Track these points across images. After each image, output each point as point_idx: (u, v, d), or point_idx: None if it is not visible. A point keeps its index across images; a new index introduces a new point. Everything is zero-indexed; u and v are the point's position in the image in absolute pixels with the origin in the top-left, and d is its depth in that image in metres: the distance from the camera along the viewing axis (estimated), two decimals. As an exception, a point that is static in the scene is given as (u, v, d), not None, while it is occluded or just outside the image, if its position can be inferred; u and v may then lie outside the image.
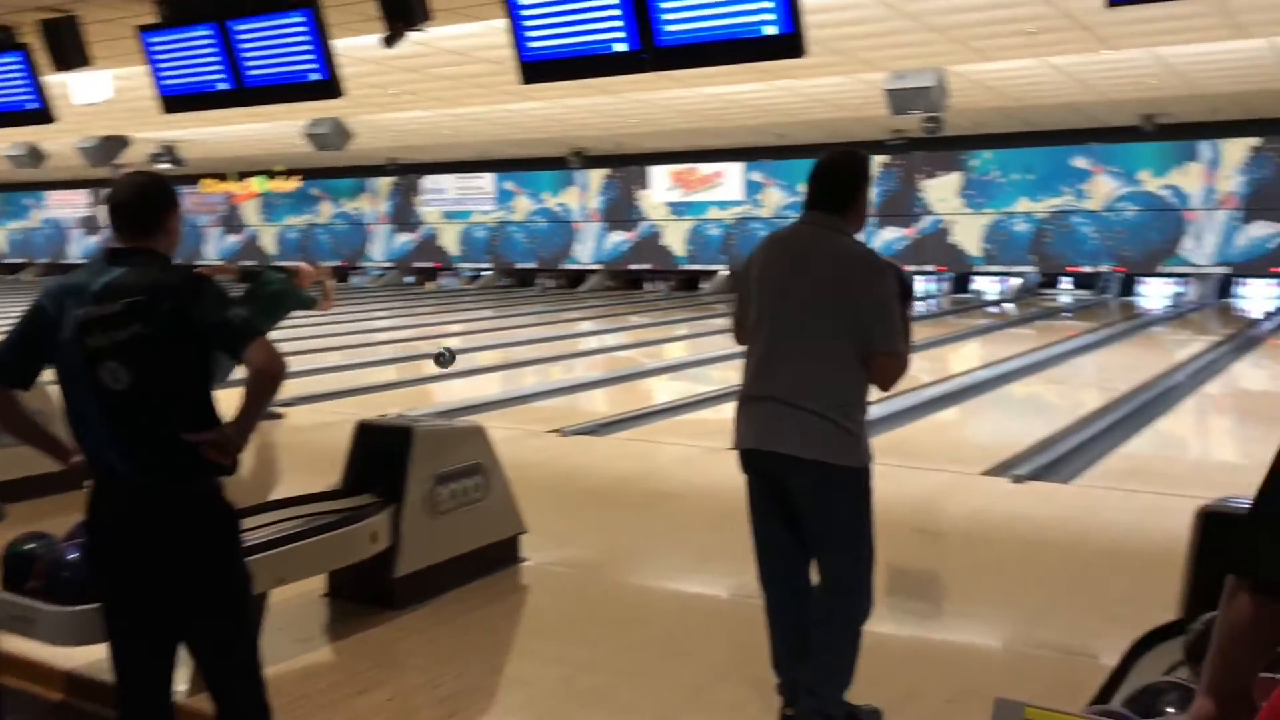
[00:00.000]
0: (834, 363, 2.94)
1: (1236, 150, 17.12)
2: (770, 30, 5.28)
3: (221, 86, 6.58)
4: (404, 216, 25.54)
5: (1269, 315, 15.76)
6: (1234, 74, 12.12)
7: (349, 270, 26.01)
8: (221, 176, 25.87)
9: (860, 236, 3.10)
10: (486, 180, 24.30)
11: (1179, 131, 17.05)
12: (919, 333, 14.05)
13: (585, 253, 23.55)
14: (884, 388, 3.04)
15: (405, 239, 25.61)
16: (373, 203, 25.91)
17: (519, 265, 24.36)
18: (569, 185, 23.47)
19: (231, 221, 27.72)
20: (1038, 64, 11.28)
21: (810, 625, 3.10)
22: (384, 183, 25.47)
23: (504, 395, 9.52)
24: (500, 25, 5.83)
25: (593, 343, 14.37)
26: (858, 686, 3.10)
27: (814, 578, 3.16)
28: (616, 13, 5.64)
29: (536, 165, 23.28)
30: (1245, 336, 13.34)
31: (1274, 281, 17.27)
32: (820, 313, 2.94)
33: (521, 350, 12.92)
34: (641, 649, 3.81)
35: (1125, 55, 10.57)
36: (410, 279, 25.44)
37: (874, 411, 8.39)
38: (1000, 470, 6.29)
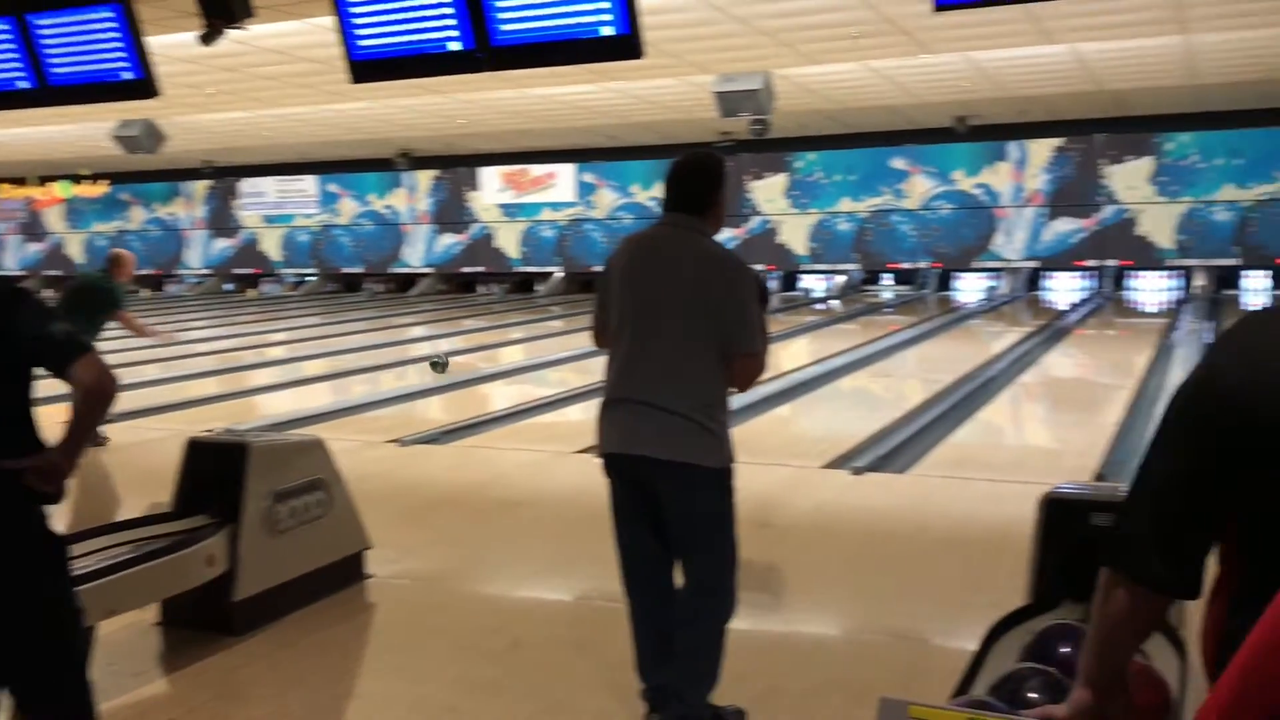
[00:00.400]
0: (695, 363, 2.93)
1: (1042, 150, 18.10)
2: (608, 31, 5.26)
3: (22, 85, 6.13)
4: (222, 221, 24.55)
5: (1074, 306, 16.72)
6: (1040, 77, 12.81)
7: (164, 279, 24.82)
8: (21, 181, 24.28)
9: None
10: (309, 182, 23.59)
11: (989, 133, 17.93)
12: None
13: (415, 256, 23.13)
14: (742, 388, 3.06)
15: (224, 245, 24.62)
16: (188, 207, 24.81)
17: (345, 270, 23.74)
18: (396, 187, 23.01)
19: (33, 229, 26.10)
20: (860, 68, 11.67)
21: (675, 628, 3.08)
22: (200, 186, 24.42)
23: (336, 406, 9.23)
24: (326, 23, 5.64)
25: (426, 348, 14.09)
26: (718, 685, 3.10)
27: (678, 580, 3.14)
28: (450, 11, 5.52)
29: (362, 167, 22.73)
30: (1054, 328, 14.09)
31: (1078, 275, 18.40)
32: (681, 314, 2.93)
33: (352, 358, 12.56)
34: (498, 661, 3.72)
35: (941, 59, 11.03)
36: (230, 286, 24.47)
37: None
38: (839, 463, 6.44)
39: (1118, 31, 9.70)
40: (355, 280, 23.74)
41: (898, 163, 19.09)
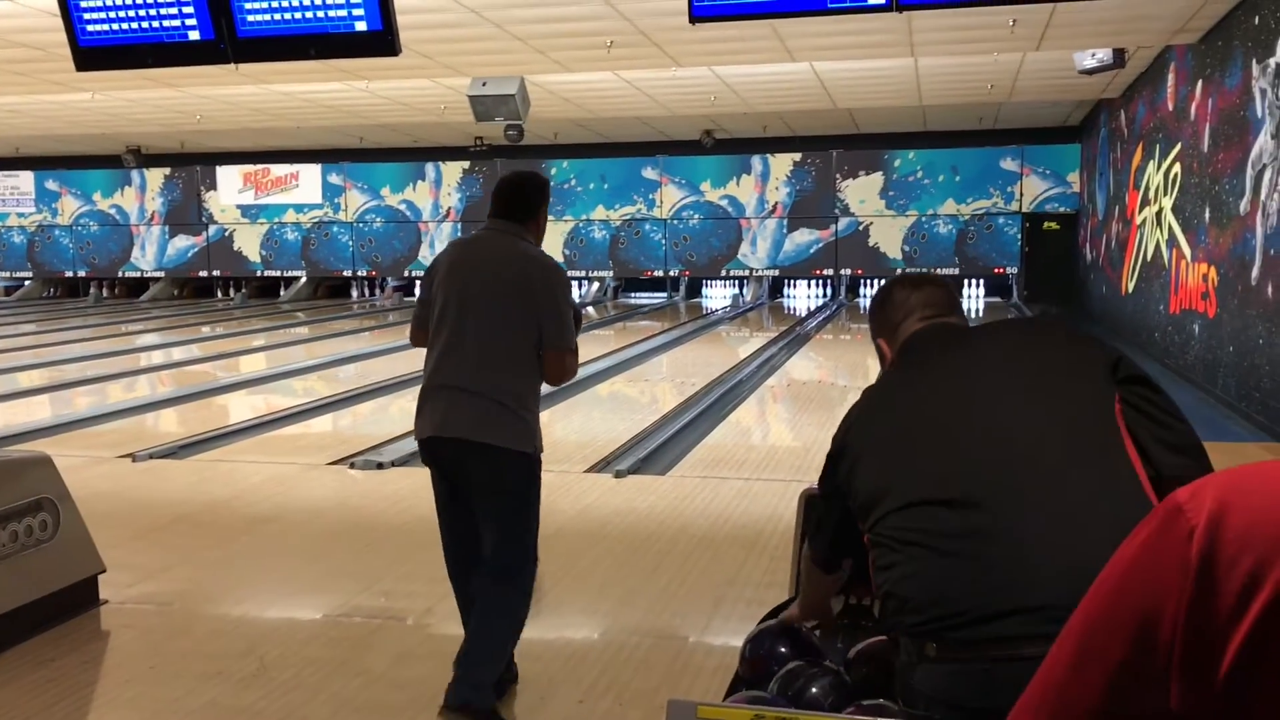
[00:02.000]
0: (511, 355, 3.15)
1: (783, 164, 18.94)
2: (361, 26, 5.09)
3: None
4: (-80, 219, 22.24)
5: (812, 313, 17.59)
6: (781, 94, 13.39)
7: None
8: None
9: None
10: (24, 179, 21.71)
11: (734, 146, 18.61)
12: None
13: (146, 259, 21.71)
14: (554, 382, 3.28)
15: (-78, 245, 22.31)
16: (-122, 202, 22.32)
17: (67, 274, 22.00)
18: (125, 185, 21.52)
19: None
20: (614, 78, 11.82)
21: (474, 615, 3.12)
22: (-108, 179, 22.02)
23: (58, 420, 8.51)
24: (46, 5, 5.17)
25: (159, 357, 13.24)
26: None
27: None
28: (188, -3, 5.20)
29: (85, 163, 21.12)
30: (796, 333, 14.76)
31: (817, 282, 19.44)
32: (500, 307, 3.14)
33: (75, 368, 11.63)
34: (248, 686, 3.50)
35: (692, 73, 11.32)
36: (-69, 291, 22.21)
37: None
38: (601, 467, 6.49)
39: (852, 52, 10.26)
40: (79, 285, 22.04)
41: (649, 173, 19.51)
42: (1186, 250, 9.91)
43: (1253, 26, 7.92)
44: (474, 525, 3.20)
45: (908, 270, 18.66)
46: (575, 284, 20.38)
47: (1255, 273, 7.75)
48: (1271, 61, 7.46)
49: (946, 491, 1.71)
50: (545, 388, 3.32)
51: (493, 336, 3.13)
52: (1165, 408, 1.82)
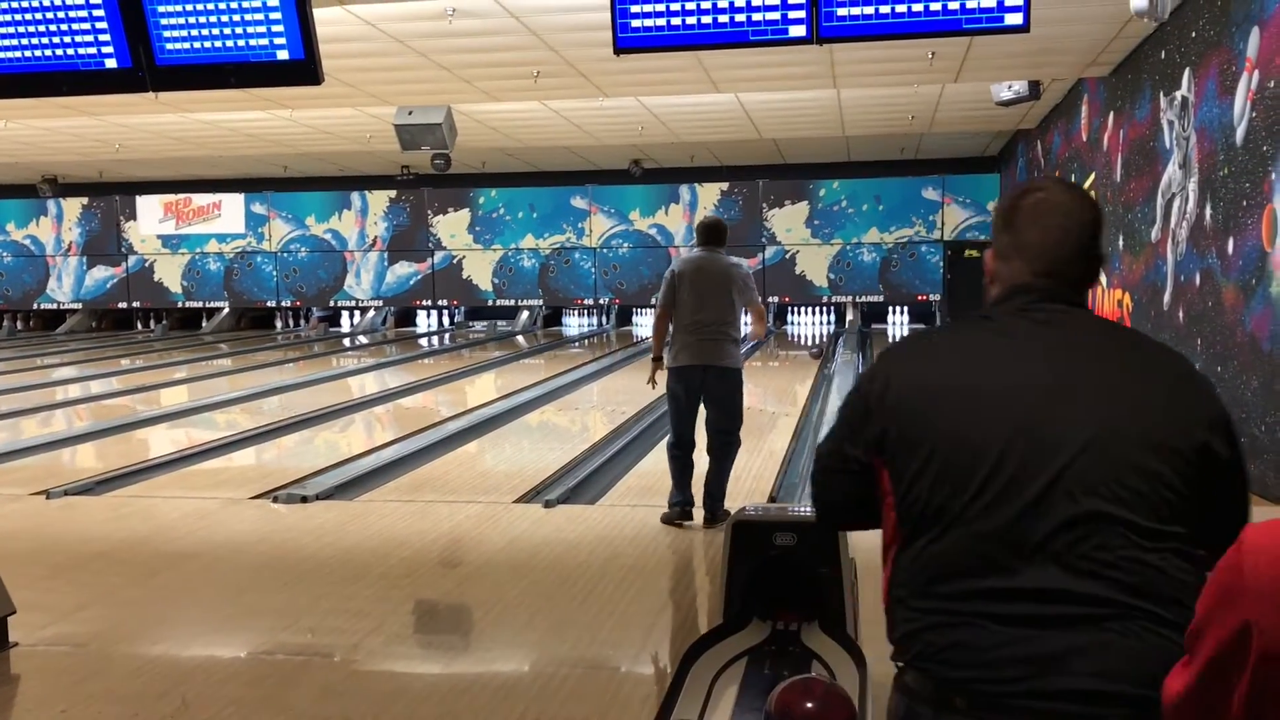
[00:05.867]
0: (734, 312, 5.68)
1: (710, 193, 19.10)
2: (284, 55, 5.04)
3: None
4: None
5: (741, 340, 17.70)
6: (707, 124, 13.52)
7: None
8: None
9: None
10: (-67, 209, 21.11)
11: (663, 175, 18.74)
12: (440, 366, 13.95)
13: (63, 290, 21.18)
14: (759, 329, 6.43)
15: None
16: None
17: (-21, 306, 21.41)
18: (41, 215, 21.00)
19: None
20: (541, 108, 11.85)
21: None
22: None
23: (-30, 455, 8.24)
24: (-43, 28, 5.05)
25: (76, 391, 12.89)
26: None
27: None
28: (104, 26, 5.11)
29: (-1, 193, 20.61)
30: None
31: (745, 311, 19.56)
32: (727, 292, 5.71)
33: (-11, 402, 11.28)
34: (168, 729, 3.40)
35: (619, 103, 11.39)
36: None
37: (398, 450, 8.21)
38: (531, 497, 6.44)
39: (777, 84, 10.41)
40: (-9, 317, 21.47)
41: (578, 202, 19.55)
42: (1102, 277, 10.17)
43: (1159, 61, 8.20)
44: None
45: (831, 297, 18.89)
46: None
47: (1167, 298, 7.98)
48: (1177, 94, 7.72)
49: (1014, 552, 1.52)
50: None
51: (721, 305, 5.66)
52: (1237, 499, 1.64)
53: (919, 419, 1.60)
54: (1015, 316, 1.67)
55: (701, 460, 5.75)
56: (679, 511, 5.67)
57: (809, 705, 2.01)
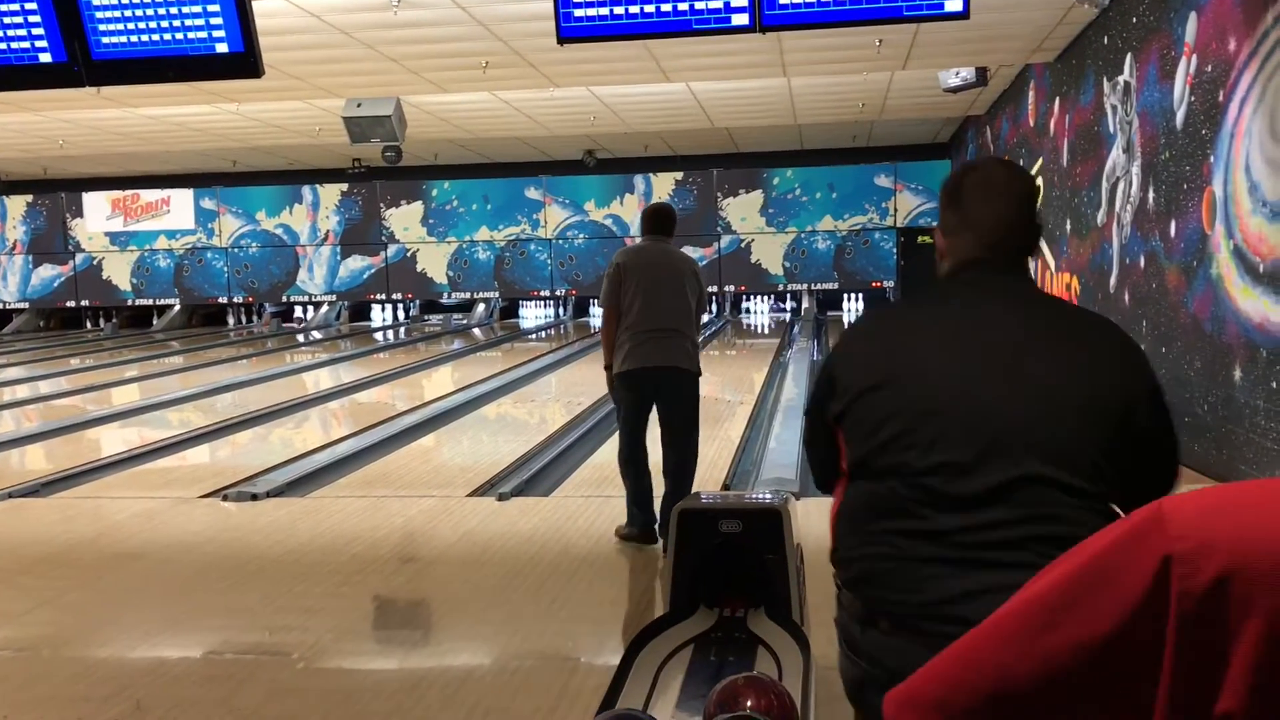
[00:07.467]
0: (689, 308, 5.05)
1: (665, 183, 19.11)
2: (223, 48, 4.97)
3: None
4: None
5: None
6: (660, 114, 13.52)
7: None
8: None
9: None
10: (-128, 208, 20.67)
11: (617, 166, 18.72)
12: (395, 361, 13.84)
13: (9, 290, 20.82)
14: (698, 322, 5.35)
15: None
16: None
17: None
18: (-17, 214, 20.64)
19: None
20: (491, 98, 11.79)
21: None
22: None
23: (-89, 460, 8.08)
24: (-114, 23, 4.94)
25: (25, 391, 12.68)
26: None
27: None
28: (37, 19, 5.01)
29: (-61, 192, 20.22)
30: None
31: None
32: (679, 287, 5.03)
33: (-68, 405, 11.07)
34: (114, 732, 3.37)
35: (569, 93, 11.36)
36: None
37: (352, 445, 8.14)
38: (485, 490, 6.42)
39: (727, 72, 10.42)
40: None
41: (533, 193, 19.48)
42: (1051, 261, 10.29)
43: (1103, 46, 8.29)
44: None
45: (787, 285, 18.98)
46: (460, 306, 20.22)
47: (1113, 281, 8.09)
48: (1120, 79, 7.82)
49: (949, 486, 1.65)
50: None
51: (677, 303, 5.03)
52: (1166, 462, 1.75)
53: (873, 387, 1.74)
54: (964, 288, 1.83)
55: (656, 477, 5.16)
56: (640, 533, 5.04)
57: (749, 704, 2.03)
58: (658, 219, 5.14)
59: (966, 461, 1.64)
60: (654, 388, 4.96)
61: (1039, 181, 10.83)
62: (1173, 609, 0.69)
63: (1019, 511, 1.61)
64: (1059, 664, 0.74)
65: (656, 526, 5.02)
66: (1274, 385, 5.17)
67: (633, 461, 5.05)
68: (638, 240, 5.23)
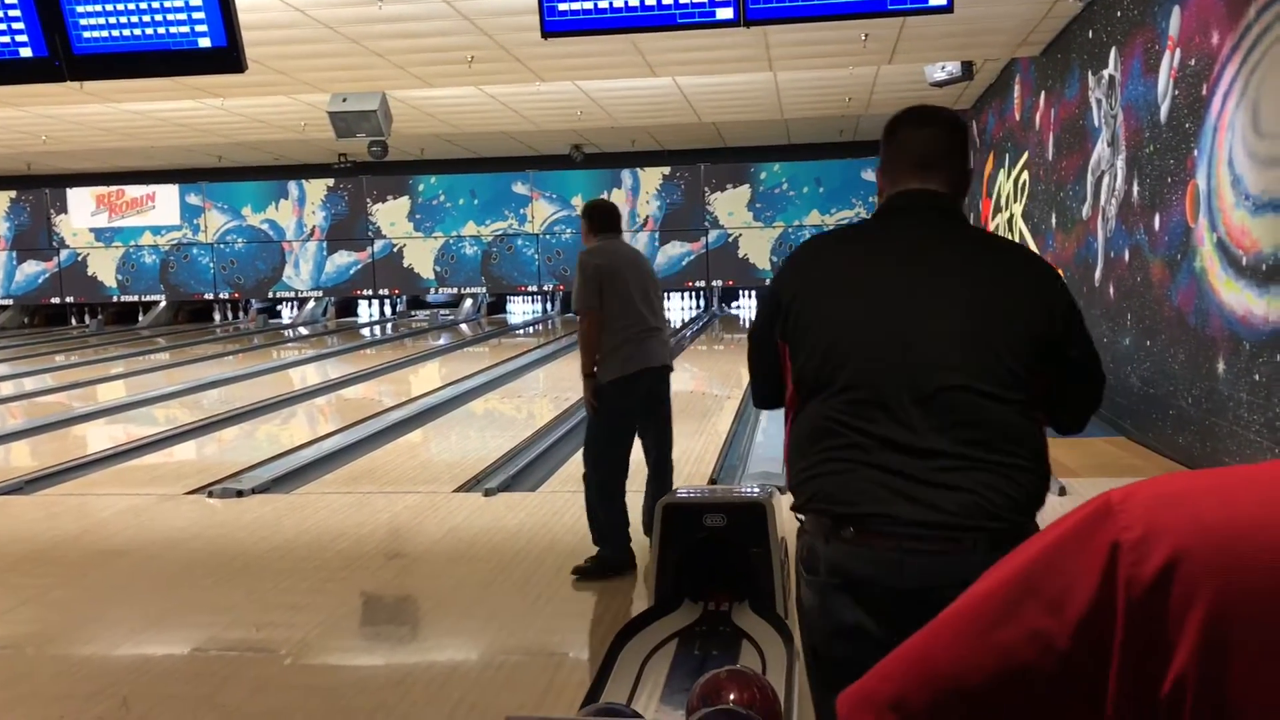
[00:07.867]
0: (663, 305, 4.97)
1: (652, 178, 19.10)
2: (205, 43, 4.95)
3: None
4: None
5: (686, 324, 17.75)
6: (647, 109, 13.50)
7: None
8: None
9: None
10: None
11: (604, 160, 18.69)
12: (382, 356, 13.77)
13: (-7, 287, 20.73)
14: None
15: None
16: None
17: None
18: (-33, 211, 20.52)
19: None
20: (477, 93, 11.75)
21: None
22: None
23: (-105, 457, 8.04)
24: None
25: (9, 388, 12.62)
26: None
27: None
28: (17, 14, 4.98)
29: (-79, 187, 20.09)
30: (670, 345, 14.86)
31: (690, 294, 19.65)
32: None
33: (-84, 403, 11.01)
34: (98, 730, 3.35)
35: (556, 88, 11.33)
36: None
37: (339, 441, 8.11)
38: (471, 486, 6.42)
39: (713, 67, 10.41)
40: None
41: (520, 188, 19.44)
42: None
43: (1087, 40, 8.31)
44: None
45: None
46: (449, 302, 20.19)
47: (1098, 274, 8.11)
48: (1105, 73, 7.84)
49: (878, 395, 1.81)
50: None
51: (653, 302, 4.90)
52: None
53: (810, 308, 1.90)
54: (895, 216, 1.97)
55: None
56: (623, 562, 4.62)
57: (731, 698, 2.04)
58: (612, 217, 4.87)
59: (895, 375, 1.80)
60: (648, 390, 4.72)
61: (1024, 176, 10.86)
62: (1120, 598, 0.70)
63: (946, 418, 1.77)
64: (1014, 657, 0.74)
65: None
66: (1257, 378, 5.20)
67: (615, 486, 4.65)
68: (600, 240, 4.79)
